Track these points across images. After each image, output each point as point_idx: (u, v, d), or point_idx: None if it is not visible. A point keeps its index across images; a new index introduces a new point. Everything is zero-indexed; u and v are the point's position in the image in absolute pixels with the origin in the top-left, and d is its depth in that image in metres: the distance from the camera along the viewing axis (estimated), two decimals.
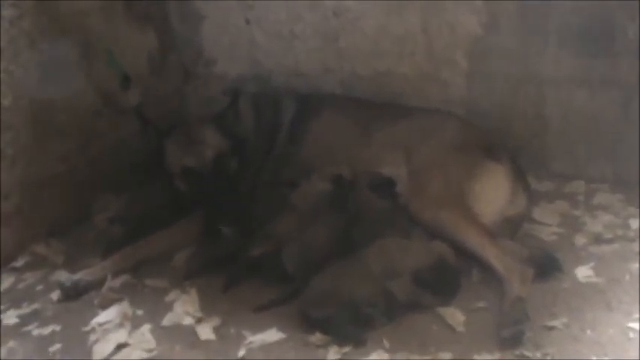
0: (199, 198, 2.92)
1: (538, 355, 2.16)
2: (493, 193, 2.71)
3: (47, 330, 2.59)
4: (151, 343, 2.44)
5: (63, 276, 2.86)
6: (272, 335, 2.39)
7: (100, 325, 2.56)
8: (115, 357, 2.40)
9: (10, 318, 2.69)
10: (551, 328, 2.28)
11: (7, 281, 2.94)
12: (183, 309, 2.59)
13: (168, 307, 2.63)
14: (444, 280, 2.46)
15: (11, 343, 2.54)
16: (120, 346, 2.44)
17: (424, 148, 2.88)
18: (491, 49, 3.15)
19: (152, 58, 3.74)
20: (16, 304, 2.78)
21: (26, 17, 3.04)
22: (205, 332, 2.46)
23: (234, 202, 2.89)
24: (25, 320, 2.67)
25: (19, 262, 3.04)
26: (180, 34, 3.86)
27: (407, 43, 3.31)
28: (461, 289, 2.48)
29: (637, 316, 2.28)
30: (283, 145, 3.21)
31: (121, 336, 2.48)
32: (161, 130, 3.04)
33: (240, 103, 3.15)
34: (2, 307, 2.77)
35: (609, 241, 2.69)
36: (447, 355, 2.21)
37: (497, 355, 2.18)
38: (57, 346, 2.50)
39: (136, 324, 2.55)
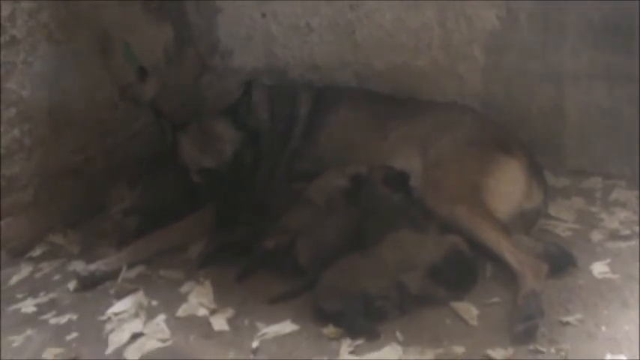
0: (215, 193, 2.93)
1: (552, 350, 2.15)
2: (508, 188, 2.70)
3: (64, 319, 2.62)
4: (166, 333, 2.46)
5: (79, 266, 2.88)
6: (285, 327, 2.40)
7: (116, 314, 2.59)
8: (130, 346, 2.41)
9: (28, 307, 2.72)
10: (566, 324, 2.26)
11: (25, 271, 2.97)
12: (197, 300, 2.61)
13: (183, 298, 2.64)
14: (459, 273, 2.45)
15: (28, 332, 2.57)
16: (135, 336, 2.46)
17: (440, 143, 2.87)
18: (509, 43, 3.13)
19: (168, 50, 3.75)
20: (33, 293, 2.81)
21: (44, 10, 3.06)
22: (219, 323, 2.47)
23: (249, 197, 2.89)
24: (42, 309, 2.70)
25: (37, 252, 3.08)
26: (196, 27, 3.87)
27: (423, 37, 3.30)
28: (477, 282, 2.47)
29: None
30: (299, 138, 3.21)
31: (136, 326, 2.50)
32: (176, 124, 3.04)
33: (257, 95, 3.15)
34: (20, 296, 2.80)
35: (626, 238, 2.67)
36: (460, 349, 2.21)
37: (510, 350, 2.17)
38: (73, 335, 2.52)
39: (151, 314, 2.57)
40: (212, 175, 2.94)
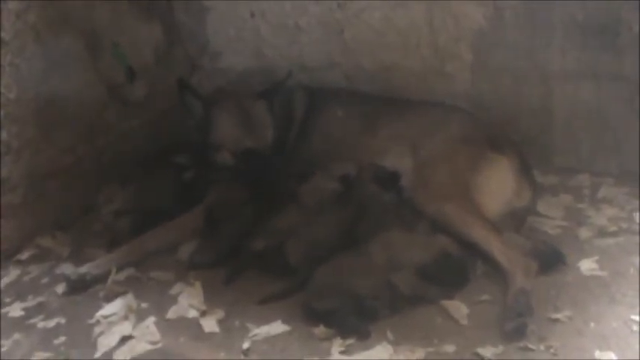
0: (251, 175, 2.92)
1: (541, 347, 2.17)
2: (498, 186, 2.71)
3: (52, 323, 2.60)
4: (156, 335, 2.45)
5: (69, 269, 2.85)
6: (276, 328, 2.40)
7: (105, 317, 2.57)
8: (119, 349, 2.40)
9: (16, 311, 2.70)
10: (555, 321, 2.28)
11: (13, 274, 2.94)
12: (187, 302, 2.60)
13: (173, 299, 2.63)
14: (449, 273, 2.46)
15: (16, 336, 2.55)
16: (124, 339, 2.44)
17: (429, 142, 2.88)
18: (497, 42, 3.15)
19: (157, 51, 3.74)
20: (21, 296, 2.78)
21: (32, 10, 3.03)
22: (210, 325, 2.47)
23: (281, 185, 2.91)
24: (30, 313, 2.68)
25: (25, 255, 3.04)
26: (185, 27, 3.85)
27: (412, 36, 3.31)
28: (468, 281, 2.48)
29: None
30: (294, 139, 3.20)
31: (125, 328, 2.49)
32: (206, 99, 3.00)
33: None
34: (8, 299, 2.78)
35: (613, 235, 2.69)
36: (451, 348, 2.22)
37: (500, 348, 2.18)
38: (62, 339, 2.51)
39: (140, 316, 2.55)
40: (251, 157, 2.92)
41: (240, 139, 2.94)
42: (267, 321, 2.43)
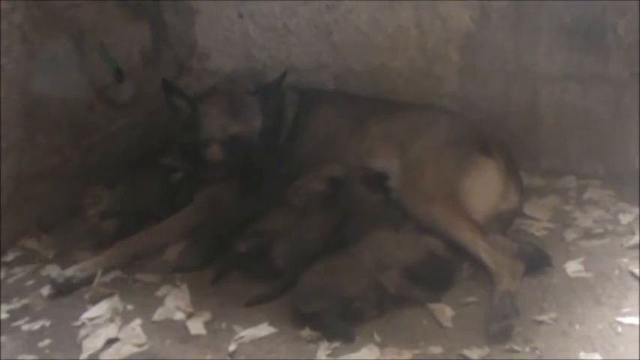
0: (238, 164, 2.93)
1: (527, 349, 2.18)
2: (485, 188, 2.72)
3: (37, 325, 2.59)
4: (142, 338, 2.44)
5: (54, 272, 2.84)
6: (263, 330, 2.40)
7: (90, 320, 2.55)
8: (105, 352, 2.39)
9: (0, 313, 2.67)
10: (541, 323, 2.29)
11: None
12: (174, 304, 2.59)
13: (159, 301, 2.62)
14: (435, 274, 2.46)
15: (1, 339, 2.53)
16: (110, 341, 2.43)
17: (417, 143, 2.88)
18: (484, 44, 3.15)
19: (145, 52, 3.73)
20: (6, 299, 2.76)
21: (18, 11, 3.02)
22: (196, 327, 2.46)
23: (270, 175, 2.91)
24: (14, 315, 2.66)
25: (10, 257, 3.02)
26: (173, 28, 3.84)
27: (400, 38, 3.31)
28: (454, 282, 2.49)
29: (626, 310, 2.30)
30: (285, 140, 3.20)
31: (111, 331, 2.48)
32: (191, 97, 3.02)
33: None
34: None
35: (599, 236, 2.70)
36: (437, 350, 2.22)
37: (486, 350, 2.19)
38: (47, 342, 2.49)
39: (126, 319, 2.54)
40: (239, 144, 2.92)
41: (226, 126, 2.95)
42: (253, 323, 2.43)
